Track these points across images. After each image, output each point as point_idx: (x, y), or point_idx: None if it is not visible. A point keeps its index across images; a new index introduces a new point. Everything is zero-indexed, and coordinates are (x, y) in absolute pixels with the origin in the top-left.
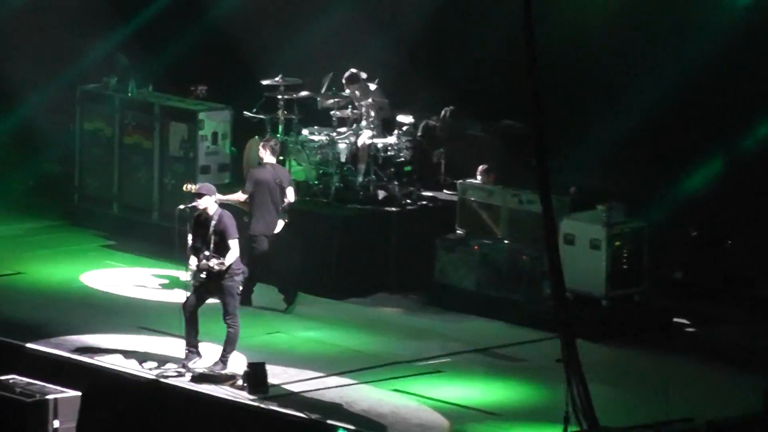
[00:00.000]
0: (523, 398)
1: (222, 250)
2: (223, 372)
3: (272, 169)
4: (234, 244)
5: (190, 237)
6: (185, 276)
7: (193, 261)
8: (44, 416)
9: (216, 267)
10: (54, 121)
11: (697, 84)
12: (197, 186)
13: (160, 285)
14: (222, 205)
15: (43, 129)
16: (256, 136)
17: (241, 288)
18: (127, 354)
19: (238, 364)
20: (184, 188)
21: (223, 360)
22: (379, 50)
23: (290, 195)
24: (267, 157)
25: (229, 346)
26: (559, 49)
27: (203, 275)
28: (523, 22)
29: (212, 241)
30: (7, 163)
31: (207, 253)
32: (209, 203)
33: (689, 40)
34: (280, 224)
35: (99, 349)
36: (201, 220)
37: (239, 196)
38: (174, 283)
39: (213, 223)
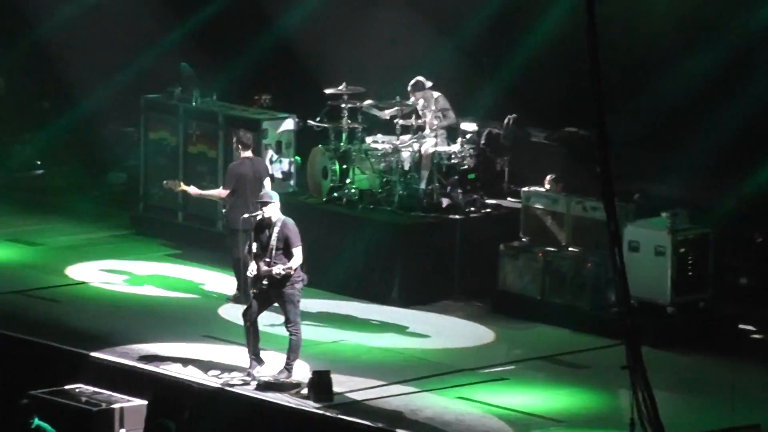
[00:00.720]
0: (588, 405)
1: (285, 257)
2: (287, 380)
3: (251, 162)
4: (297, 252)
5: (252, 245)
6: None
7: (253, 268)
8: (110, 425)
9: (282, 272)
10: (118, 130)
11: (762, 89)
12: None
13: (223, 293)
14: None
15: (109, 138)
16: (320, 145)
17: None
18: (192, 362)
19: (302, 372)
20: (165, 185)
21: (288, 368)
22: (442, 58)
23: (267, 186)
24: (244, 151)
25: (292, 354)
26: (621, 53)
27: (264, 283)
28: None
29: (275, 248)
30: (73, 173)
31: (268, 260)
32: (274, 211)
33: (756, 44)
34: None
35: (164, 358)
36: (263, 227)
37: (220, 192)
38: (237, 291)
39: (276, 230)
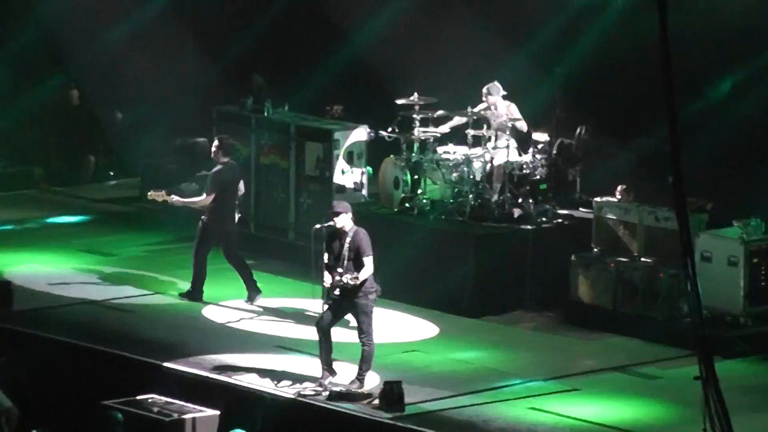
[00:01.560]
0: (660, 416)
1: (357, 267)
2: (359, 390)
3: (230, 167)
4: (369, 261)
5: (325, 256)
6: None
7: (327, 279)
8: None
9: (351, 282)
10: (191, 141)
11: None
12: (336, 209)
13: (296, 304)
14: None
15: (181, 149)
16: (392, 156)
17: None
18: (265, 373)
19: (374, 382)
20: (149, 196)
21: (360, 378)
22: (514, 68)
23: (242, 187)
24: (225, 156)
25: (364, 364)
26: (693, 61)
27: (337, 293)
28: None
29: (347, 258)
30: (146, 184)
31: (341, 270)
32: (345, 221)
33: None
34: (237, 216)
35: (236, 368)
36: (336, 237)
37: (204, 199)
38: (310, 302)
39: (348, 239)
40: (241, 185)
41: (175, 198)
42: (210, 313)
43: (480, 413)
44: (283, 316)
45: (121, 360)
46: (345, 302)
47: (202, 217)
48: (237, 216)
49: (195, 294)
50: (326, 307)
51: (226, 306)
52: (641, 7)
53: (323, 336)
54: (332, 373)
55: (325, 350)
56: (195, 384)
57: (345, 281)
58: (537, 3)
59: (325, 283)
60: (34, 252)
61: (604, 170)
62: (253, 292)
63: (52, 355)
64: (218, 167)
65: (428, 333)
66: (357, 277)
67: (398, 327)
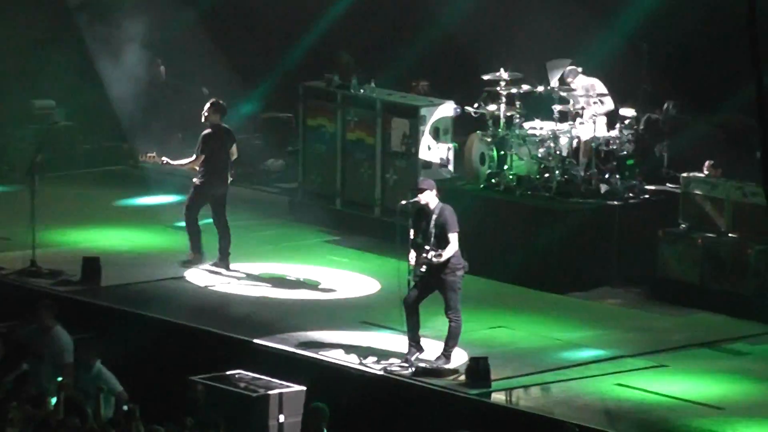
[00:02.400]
0: (748, 392)
1: (442, 243)
2: (446, 366)
3: (221, 130)
4: (454, 238)
5: (411, 232)
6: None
7: (412, 256)
8: (269, 411)
9: (435, 260)
10: (277, 117)
11: None
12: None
13: (382, 280)
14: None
15: (267, 125)
16: (478, 131)
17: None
18: (351, 349)
19: (461, 358)
20: (141, 158)
21: (446, 354)
22: (602, 43)
23: (235, 151)
24: (214, 118)
25: (451, 340)
26: None
27: (423, 269)
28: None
29: (432, 234)
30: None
31: (427, 247)
32: (430, 198)
33: None
34: (229, 180)
35: (323, 344)
36: (422, 214)
37: (195, 161)
38: (396, 278)
39: (434, 217)
40: (234, 149)
41: (166, 160)
42: (297, 289)
43: (566, 389)
44: (369, 292)
45: (208, 336)
46: (432, 278)
47: (194, 179)
48: (229, 179)
49: (195, 255)
50: (413, 283)
51: (314, 282)
52: None
53: (410, 312)
54: (419, 349)
55: (412, 326)
56: (282, 360)
57: (429, 258)
58: None
59: (410, 261)
60: (123, 228)
61: (691, 145)
62: (223, 261)
63: (139, 331)
64: (208, 130)
65: (515, 309)
66: (440, 254)
67: (485, 303)
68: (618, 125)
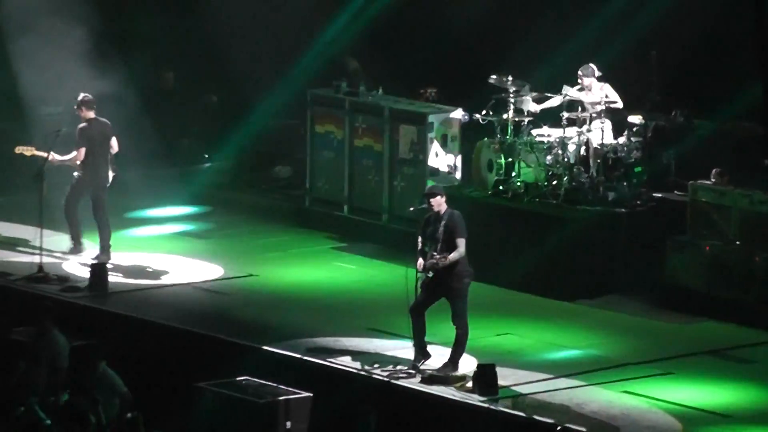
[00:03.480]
0: (755, 400)
1: (450, 248)
2: (453, 374)
3: (97, 123)
4: (462, 243)
5: (419, 240)
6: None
7: (420, 263)
8: (276, 417)
9: (440, 263)
10: (284, 124)
11: None
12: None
13: (389, 287)
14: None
15: (274, 132)
16: (485, 138)
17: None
18: (358, 355)
19: (468, 365)
20: (16, 150)
21: (453, 361)
22: (610, 51)
23: (115, 145)
24: (88, 112)
25: (458, 347)
26: None
27: (430, 275)
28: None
29: (441, 240)
30: (239, 166)
31: (434, 253)
32: (441, 204)
33: None
34: (111, 175)
35: (330, 351)
36: (431, 220)
37: (75, 156)
38: (403, 285)
39: (443, 222)
40: (114, 143)
41: (45, 154)
42: (305, 296)
43: (573, 397)
44: (376, 299)
45: (215, 342)
46: (439, 286)
47: (75, 173)
48: (112, 175)
49: (76, 246)
50: (420, 290)
51: (321, 288)
52: None
53: (416, 319)
54: (425, 355)
55: (418, 333)
56: (289, 366)
57: (434, 261)
58: None
59: (418, 267)
60: (130, 234)
61: (698, 153)
62: (104, 255)
63: (147, 337)
64: (83, 124)
65: (522, 316)
66: (446, 257)
67: (492, 310)
68: (626, 132)
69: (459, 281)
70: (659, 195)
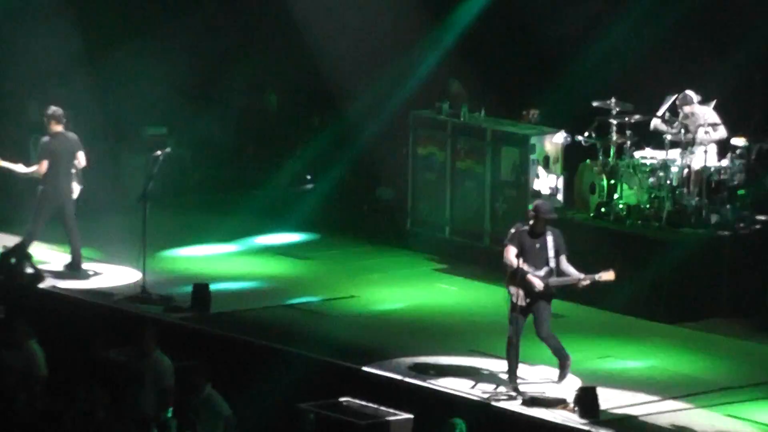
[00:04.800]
0: None
1: (557, 265)
2: (554, 396)
3: (64, 137)
4: (564, 260)
5: (519, 260)
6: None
7: (538, 283)
8: None
9: (584, 283)
10: (387, 146)
11: None
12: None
13: (491, 308)
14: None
15: (377, 154)
16: (588, 160)
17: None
18: (459, 376)
19: (570, 388)
20: None
21: (564, 374)
22: (713, 74)
23: (81, 159)
24: (56, 126)
25: (560, 353)
26: None
27: (529, 298)
28: None
29: (550, 258)
30: (342, 188)
31: (542, 272)
32: (545, 222)
33: None
34: (77, 189)
35: (431, 372)
36: (533, 240)
37: (38, 169)
38: (504, 307)
39: (550, 239)
40: (80, 156)
41: (11, 165)
42: (406, 317)
43: (675, 420)
44: (478, 320)
45: (317, 363)
46: (537, 303)
47: (39, 186)
48: (78, 188)
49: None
50: (520, 310)
51: (423, 309)
52: None
53: (517, 341)
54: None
55: (516, 355)
56: (390, 387)
57: (597, 278)
58: (741, 9)
59: (536, 288)
60: (232, 255)
61: None
62: (73, 267)
63: (247, 357)
64: (47, 138)
65: (623, 339)
66: (587, 277)
67: (592, 333)
68: (729, 155)
69: (551, 298)
70: (763, 218)
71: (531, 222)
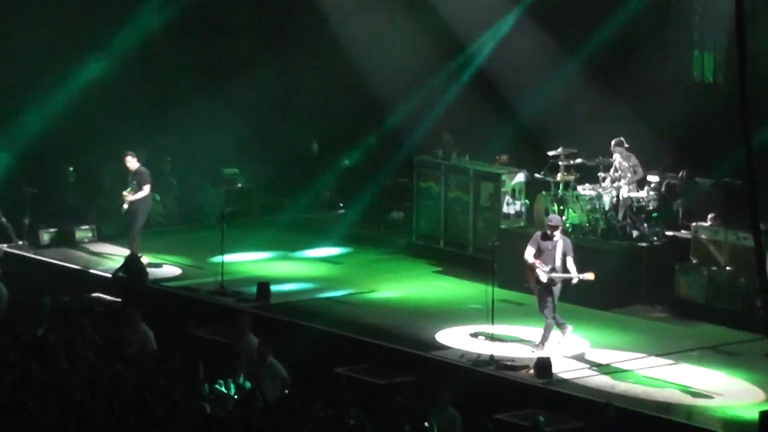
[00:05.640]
0: (739, 379)
1: (564, 263)
2: (519, 363)
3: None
4: (570, 261)
5: (537, 260)
6: None
7: (542, 275)
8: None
9: (587, 278)
10: (398, 181)
11: None
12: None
13: (474, 299)
14: None
15: (391, 187)
16: (543, 192)
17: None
18: (449, 348)
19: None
20: None
21: (543, 343)
22: (635, 128)
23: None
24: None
25: (546, 332)
26: None
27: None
28: (739, 100)
29: (558, 258)
30: (367, 213)
31: (552, 267)
32: (558, 232)
33: None
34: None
35: (429, 344)
36: (547, 243)
37: (145, 193)
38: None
39: (561, 244)
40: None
41: (132, 198)
42: (413, 304)
43: (608, 381)
44: (462, 307)
45: (346, 339)
46: (543, 289)
47: (132, 206)
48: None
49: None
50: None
51: (424, 299)
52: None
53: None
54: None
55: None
56: (400, 356)
57: (582, 277)
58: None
59: (541, 279)
60: (285, 261)
61: (698, 203)
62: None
63: (298, 337)
64: (145, 169)
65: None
66: (575, 276)
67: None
68: (646, 188)
69: (552, 283)
70: (670, 233)
71: (547, 230)
